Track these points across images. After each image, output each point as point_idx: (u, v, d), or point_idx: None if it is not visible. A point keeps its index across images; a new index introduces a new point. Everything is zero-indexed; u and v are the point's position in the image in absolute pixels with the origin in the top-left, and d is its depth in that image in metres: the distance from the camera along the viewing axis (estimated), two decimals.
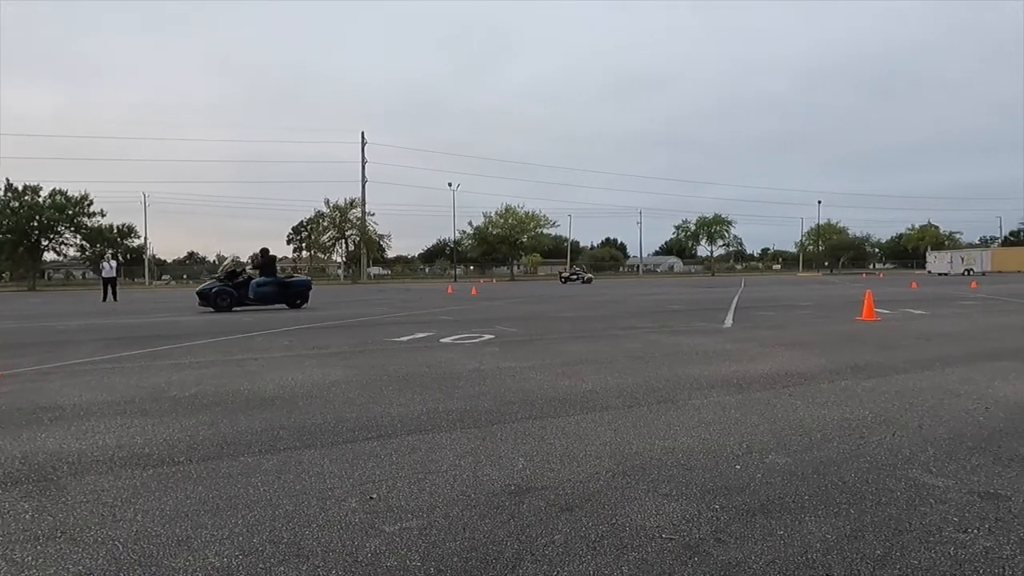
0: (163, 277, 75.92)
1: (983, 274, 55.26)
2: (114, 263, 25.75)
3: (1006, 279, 39.76)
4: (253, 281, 16.60)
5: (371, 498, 2.77)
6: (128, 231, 69.93)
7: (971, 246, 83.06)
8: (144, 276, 68.10)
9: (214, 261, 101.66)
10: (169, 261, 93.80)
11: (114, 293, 24.05)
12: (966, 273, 57.57)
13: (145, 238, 71.44)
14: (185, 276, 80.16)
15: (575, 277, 49.57)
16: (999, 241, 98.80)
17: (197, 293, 17.12)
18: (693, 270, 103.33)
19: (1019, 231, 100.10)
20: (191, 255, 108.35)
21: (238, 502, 2.74)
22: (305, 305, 17.47)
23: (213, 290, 16.54)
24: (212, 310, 16.22)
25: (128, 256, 70.94)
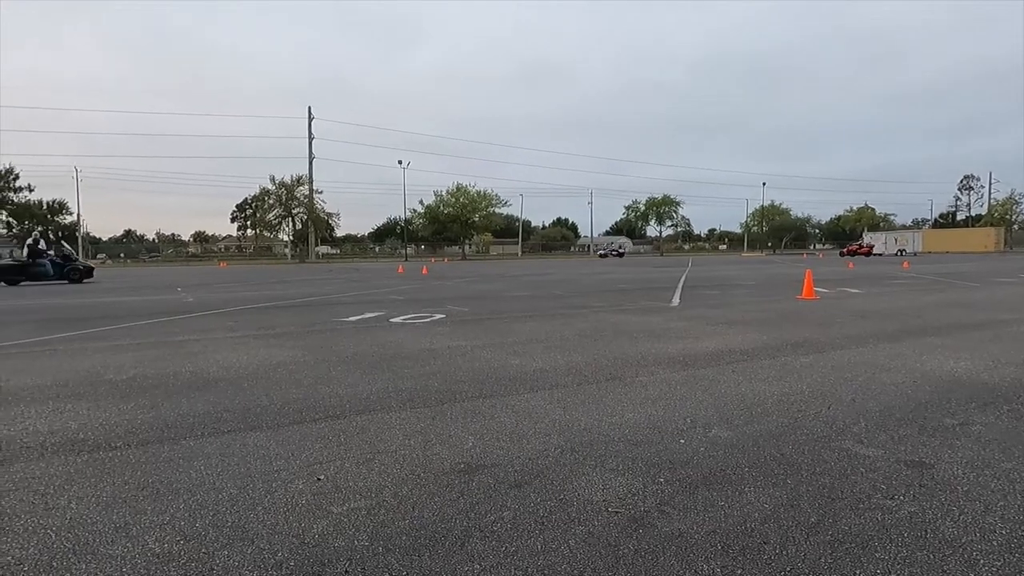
0: (98, 256, 72.64)
1: (915, 254, 57.91)
2: (42, 241, 24.45)
3: (935, 259, 41.77)
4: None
5: (318, 479, 2.73)
6: (60, 207, 66.75)
7: (904, 227, 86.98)
8: (78, 255, 65.04)
9: (153, 240, 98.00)
10: (105, 239, 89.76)
11: None
12: (899, 253, 60.21)
13: (78, 214, 68.28)
14: (122, 255, 76.97)
15: (614, 253, 62.45)
16: (930, 223, 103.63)
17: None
18: (642, 250, 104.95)
19: (948, 213, 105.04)
20: (128, 233, 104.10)
21: (179, 487, 2.67)
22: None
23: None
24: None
25: (60, 233, 67.63)
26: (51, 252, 21.45)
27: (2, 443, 3.29)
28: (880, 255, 59.45)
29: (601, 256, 62.23)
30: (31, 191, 54.80)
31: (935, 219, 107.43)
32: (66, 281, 20.75)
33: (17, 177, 52.68)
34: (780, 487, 2.60)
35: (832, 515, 2.33)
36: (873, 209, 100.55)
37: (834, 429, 3.39)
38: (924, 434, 3.29)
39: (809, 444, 3.15)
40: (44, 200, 62.85)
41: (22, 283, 20.31)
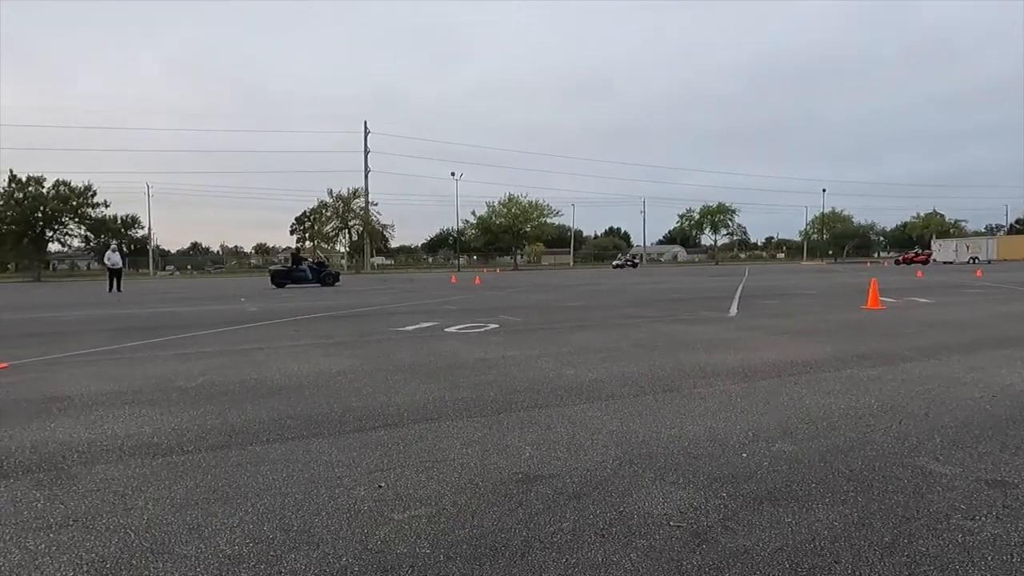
0: (167, 268, 76.04)
1: (988, 262, 55.04)
2: (119, 254, 25.80)
3: (1011, 267, 39.60)
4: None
5: (379, 486, 2.78)
6: (132, 221, 70.23)
7: (977, 234, 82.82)
8: (148, 267, 68.23)
9: (218, 252, 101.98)
10: (173, 251, 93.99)
11: (119, 283, 24.11)
12: (971, 261, 57.33)
13: (149, 228, 71.68)
14: (189, 267, 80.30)
15: (627, 263, 64.96)
16: (1005, 229, 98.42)
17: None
18: (697, 259, 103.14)
19: None
20: (195, 245, 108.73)
21: (247, 490, 2.76)
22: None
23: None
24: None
25: (132, 246, 71.17)
26: (309, 260, 26.26)
27: (84, 445, 3.47)
28: (950, 263, 56.81)
29: (615, 267, 63.83)
30: (107, 207, 57.75)
31: (1011, 225, 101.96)
32: (319, 284, 24.59)
33: (95, 194, 55.60)
34: (850, 505, 2.50)
35: (908, 535, 2.23)
36: (942, 215, 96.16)
37: (907, 445, 3.25)
38: (1006, 452, 3.12)
39: (880, 460, 3.02)
40: (118, 215, 66.23)
41: (288, 285, 24.38)
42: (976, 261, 56.84)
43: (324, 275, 24.95)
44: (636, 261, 69.67)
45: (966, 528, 2.28)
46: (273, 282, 24.82)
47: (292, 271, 24.86)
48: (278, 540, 2.27)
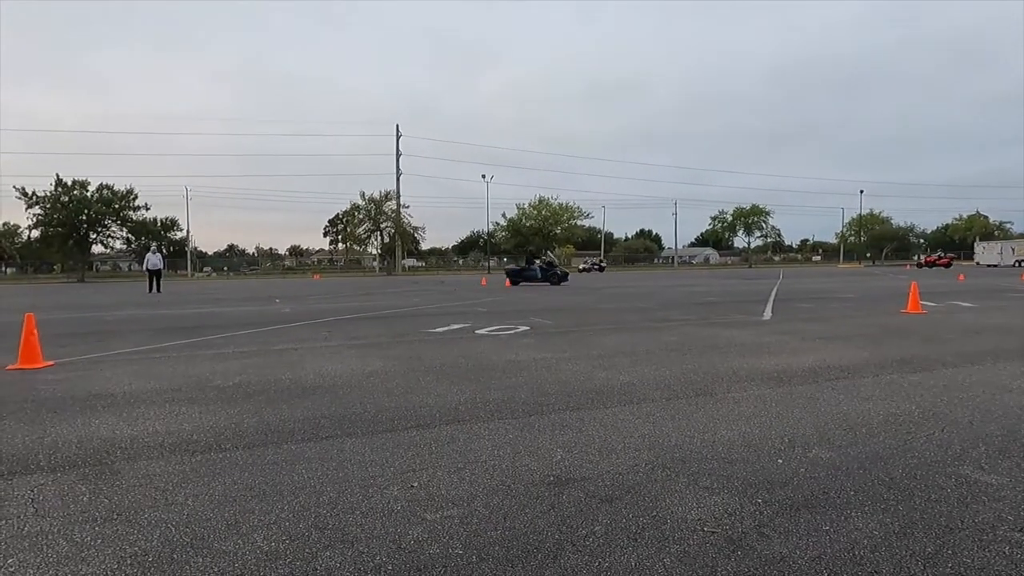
0: (204, 269, 77.72)
1: None
2: (159, 255, 26.42)
3: None
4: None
5: (412, 486, 2.80)
6: (171, 224, 71.98)
7: (1023, 236, 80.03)
8: (187, 268, 69.83)
9: (253, 254, 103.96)
10: (210, 253, 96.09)
11: (159, 285, 24.71)
12: (1017, 264, 55.44)
13: (187, 230, 73.33)
14: (225, 268, 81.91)
15: (593, 267, 62.68)
16: None
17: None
18: (730, 261, 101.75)
19: None
20: (231, 247, 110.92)
21: (283, 488, 2.80)
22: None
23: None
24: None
25: (171, 248, 72.94)
26: (538, 260, 28.10)
27: (127, 442, 3.57)
28: (994, 266, 55.06)
29: (581, 270, 61.95)
30: (147, 210, 59.18)
31: None
32: (547, 283, 26.05)
33: (136, 197, 57.00)
34: (891, 513, 2.44)
35: (952, 546, 2.17)
36: (985, 217, 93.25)
37: (950, 454, 3.16)
38: None
39: (922, 469, 2.94)
40: (158, 218, 67.94)
41: (520, 283, 26.44)
42: (1022, 264, 54.93)
43: (551, 274, 26.67)
44: (603, 264, 66.87)
45: (1014, 540, 2.21)
46: (509, 279, 27.37)
47: (524, 270, 27.17)
48: (313, 538, 2.30)
